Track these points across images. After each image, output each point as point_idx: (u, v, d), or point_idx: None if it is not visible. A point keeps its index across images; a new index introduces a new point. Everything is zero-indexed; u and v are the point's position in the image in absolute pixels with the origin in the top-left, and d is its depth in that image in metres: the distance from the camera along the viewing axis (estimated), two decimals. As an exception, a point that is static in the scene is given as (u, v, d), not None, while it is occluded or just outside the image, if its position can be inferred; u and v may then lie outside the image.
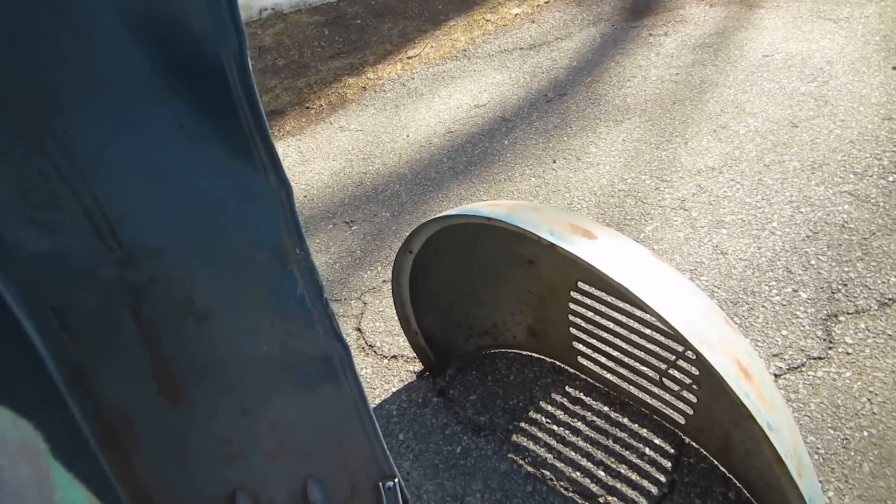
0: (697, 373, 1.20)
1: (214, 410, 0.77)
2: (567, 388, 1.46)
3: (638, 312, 1.26)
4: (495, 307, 1.54)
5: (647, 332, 1.28)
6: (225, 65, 0.59)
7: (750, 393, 0.90)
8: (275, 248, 0.71)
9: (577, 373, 1.49)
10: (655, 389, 1.34)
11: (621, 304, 1.29)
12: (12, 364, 0.69)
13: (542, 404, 1.43)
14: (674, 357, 1.22)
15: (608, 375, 1.42)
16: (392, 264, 1.91)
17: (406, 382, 1.54)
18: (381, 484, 0.79)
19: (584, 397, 1.43)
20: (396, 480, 0.79)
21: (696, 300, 1.00)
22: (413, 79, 3.06)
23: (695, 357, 1.18)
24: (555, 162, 2.20)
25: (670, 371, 1.22)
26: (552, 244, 1.07)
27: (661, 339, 1.25)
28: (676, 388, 1.23)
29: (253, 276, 0.73)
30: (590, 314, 1.38)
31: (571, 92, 2.59)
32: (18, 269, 0.68)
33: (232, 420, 0.78)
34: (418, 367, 1.57)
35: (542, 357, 1.54)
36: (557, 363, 1.52)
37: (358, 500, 0.80)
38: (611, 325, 1.35)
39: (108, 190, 0.66)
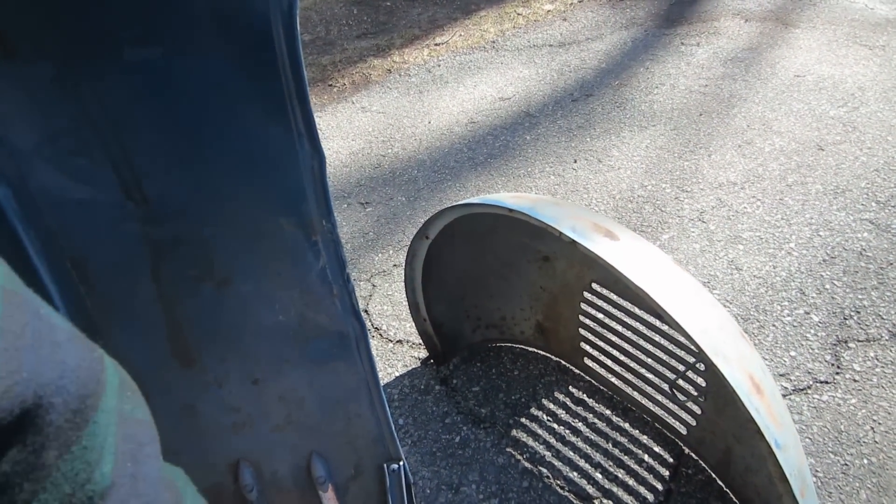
0: (704, 384, 1.19)
1: (225, 377, 0.77)
2: (570, 387, 1.45)
3: (650, 319, 1.25)
4: (506, 301, 1.53)
5: (658, 339, 1.27)
6: (272, 23, 0.58)
7: (761, 409, 0.90)
8: (301, 218, 0.70)
9: (582, 374, 1.48)
10: (659, 397, 1.33)
11: (634, 309, 1.28)
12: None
13: (545, 402, 1.42)
14: (683, 368, 1.21)
15: (613, 379, 1.42)
16: (405, 249, 1.91)
17: (409, 368, 1.54)
18: (385, 466, 0.79)
19: (586, 399, 1.42)
20: (402, 463, 0.78)
21: (713, 311, 0.99)
22: (439, 66, 3.04)
23: (704, 368, 1.18)
24: (576, 162, 2.19)
25: (679, 381, 1.21)
26: (573, 241, 1.06)
27: (672, 347, 1.24)
28: (683, 397, 1.23)
29: (276, 244, 0.73)
30: (601, 316, 1.37)
31: (598, 93, 2.57)
32: (41, 217, 0.67)
33: (241, 389, 0.78)
34: (423, 353, 1.56)
35: (548, 355, 1.53)
36: (563, 362, 1.51)
37: (361, 480, 0.80)
38: (621, 329, 1.34)
39: (138, 143, 0.65)
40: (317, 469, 0.78)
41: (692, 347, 1.15)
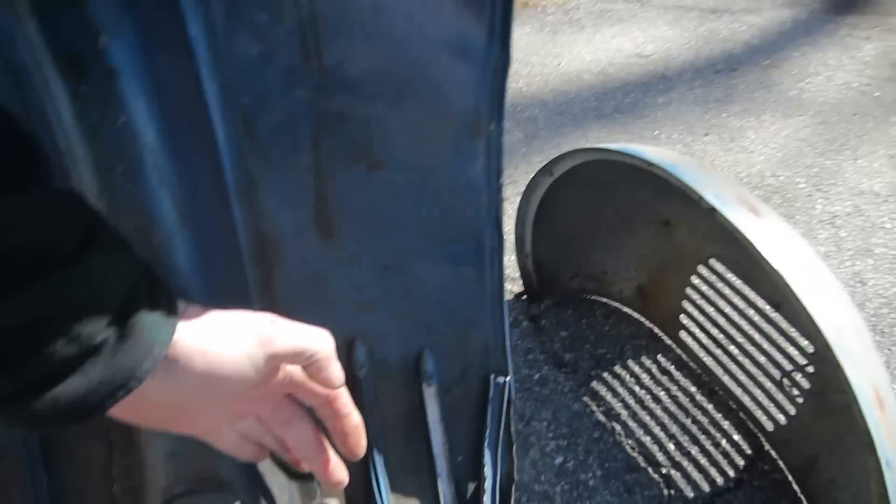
0: (808, 386, 1.15)
1: (359, 257, 0.79)
2: (659, 356, 1.43)
3: (766, 308, 1.20)
4: (612, 256, 1.51)
5: (768, 330, 1.23)
6: None
7: (880, 424, 0.86)
8: (471, 116, 0.70)
9: (674, 345, 1.45)
10: (752, 387, 1.29)
11: (750, 294, 1.23)
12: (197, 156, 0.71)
13: (630, 363, 1.41)
14: (791, 367, 1.17)
15: (706, 358, 1.38)
16: (514, 184, 1.89)
17: (501, 300, 1.55)
18: (492, 377, 0.80)
19: (673, 370, 1.40)
20: (508, 379, 0.79)
21: (850, 314, 0.94)
22: (578, 9, 2.93)
23: (813, 371, 1.13)
24: (706, 135, 2.10)
25: (786, 377, 1.17)
26: (712, 209, 1.02)
27: (782, 342, 1.19)
28: (783, 395, 1.19)
29: (438, 138, 0.73)
30: (710, 293, 1.33)
31: (743, 69, 2.43)
32: (223, 66, 0.69)
33: (372, 272, 0.79)
34: (518, 288, 1.57)
35: (643, 319, 1.51)
36: (656, 330, 1.49)
37: (465, 385, 0.81)
38: (729, 311, 1.29)
39: (327, 8, 0.65)
40: (426, 364, 0.80)
41: (811, 347, 1.11)
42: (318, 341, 0.46)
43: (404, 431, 0.83)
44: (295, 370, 0.47)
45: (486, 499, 0.80)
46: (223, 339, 0.41)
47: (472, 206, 0.75)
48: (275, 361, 0.43)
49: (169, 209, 0.65)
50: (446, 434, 0.82)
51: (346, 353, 0.80)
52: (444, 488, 0.80)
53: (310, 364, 0.46)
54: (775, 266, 0.93)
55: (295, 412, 0.50)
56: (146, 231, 0.64)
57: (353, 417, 0.51)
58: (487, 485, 0.80)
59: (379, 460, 0.78)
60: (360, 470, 0.80)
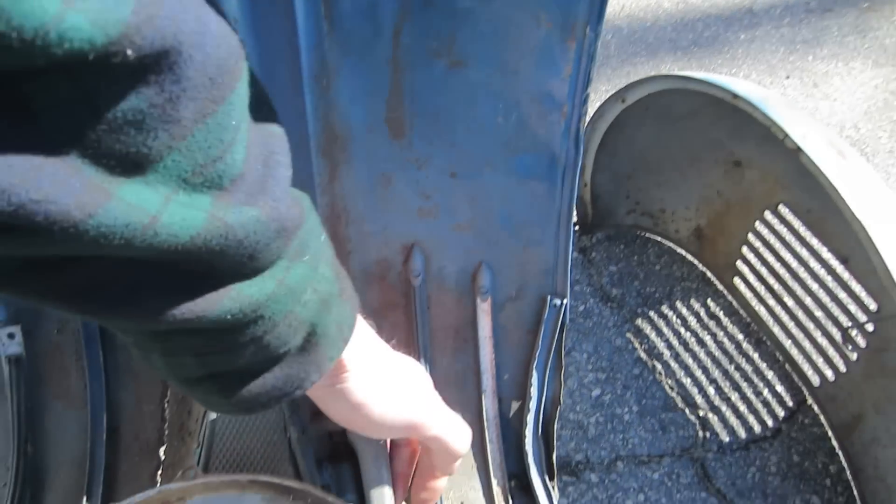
0: (865, 345, 1.11)
1: (427, 160, 0.76)
2: (709, 301, 1.39)
3: (833, 262, 1.15)
4: (673, 194, 1.45)
5: (830, 284, 1.18)
6: None
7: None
8: (566, 18, 0.65)
9: (726, 291, 1.41)
10: (802, 339, 1.26)
11: (817, 245, 1.18)
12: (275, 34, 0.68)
13: (678, 304, 1.38)
14: (850, 323, 1.12)
15: (758, 307, 1.34)
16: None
17: (553, 227, 1.52)
18: (549, 297, 0.78)
19: (722, 316, 1.37)
20: (565, 301, 0.77)
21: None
22: (666, -68, 2.75)
23: (873, 330, 1.09)
24: (787, 78, 1.98)
25: (843, 334, 1.13)
26: (798, 149, 0.96)
27: (843, 297, 1.15)
28: (841, 348, 1.15)
29: (525, 38, 0.68)
30: (773, 241, 1.28)
31: (838, 10, 2.27)
32: (307, -59, 0.65)
33: (438, 177, 0.77)
34: (571, 217, 1.53)
35: (696, 262, 1.47)
36: (709, 274, 1.44)
37: (520, 304, 0.80)
38: (792, 261, 1.24)
39: None
40: (482, 278, 0.79)
41: (874, 305, 1.06)
42: (459, 437, 0.49)
43: (453, 344, 0.82)
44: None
45: (530, 419, 0.79)
46: (379, 389, 0.42)
47: (551, 117, 0.71)
48: (411, 434, 0.46)
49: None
50: (495, 351, 0.81)
51: (402, 258, 0.79)
52: (487, 404, 0.79)
53: (441, 452, 0.48)
54: (858, 215, 0.88)
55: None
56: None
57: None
58: (532, 405, 0.79)
59: (426, 370, 0.78)
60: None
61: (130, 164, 0.24)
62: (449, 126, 0.74)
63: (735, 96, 1.05)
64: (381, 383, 0.41)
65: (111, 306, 0.28)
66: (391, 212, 0.78)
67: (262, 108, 0.31)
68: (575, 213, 1.47)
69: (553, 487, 0.74)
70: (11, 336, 0.72)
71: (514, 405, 0.80)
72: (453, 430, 0.47)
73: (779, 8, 2.28)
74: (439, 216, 0.78)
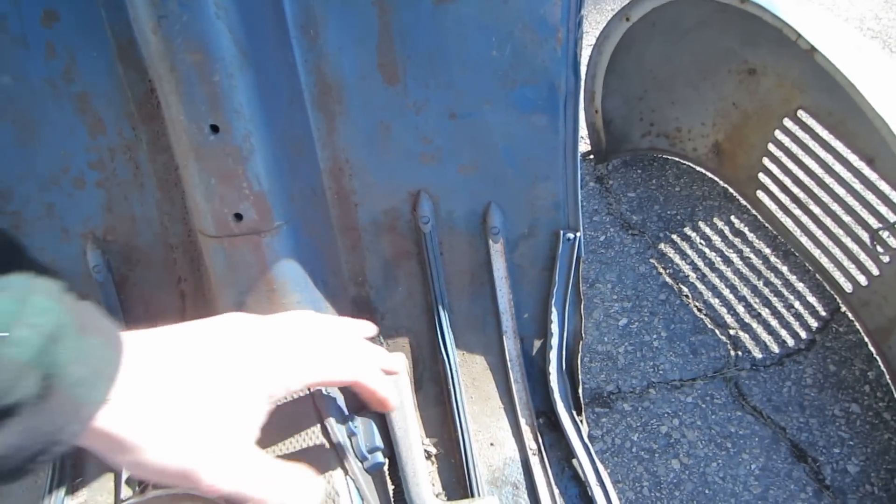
0: (896, 247, 1.08)
1: (424, 103, 0.74)
2: (732, 217, 1.36)
3: (858, 163, 1.11)
4: (688, 111, 1.41)
5: (857, 187, 1.14)
6: None
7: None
8: (552, -63, 0.62)
9: (749, 206, 1.38)
10: (831, 247, 1.23)
11: (841, 148, 1.14)
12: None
13: (701, 224, 1.35)
14: (879, 225, 1.09)
15: (783, 218, 1.31)
16: (584, 35, 1.76)
17: (566, 158, 1.48)
18: (562, 232, 0.77)
19: (747, 232, 1.34)
20: (578, 235, 0.76)
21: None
22: None
23: (904, 229, 1.06)
24: (801, -25, 1.88)
25: (874, 236, 1.10)
26: (812, 49, 0.92)
27: (871, 198, 1.11)
28: (872, 251, 1.12)
29: (513, -35, 0.65)
30: (795, 149, 1.23)
31: None
32: None
33: (437, 120, 0.75)
34: (584, 147, 1.50)
35: (717, 179, 1.43)
36: (731, 190, 1.41)
37: (532, 242, 0.78)
38: (815, 167, 1.21)
39: None
40: (492, 219, 0.77)
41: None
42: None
43: (469, 288, 0.81)
44: None
45: (553, 355, 0.79)
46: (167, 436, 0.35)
47: (547, 45, 0.68)
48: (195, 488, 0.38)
49: (228, 44, 0.60)
50: (512, 291, 0.80)
51: (410, 206, 0.78)
52: (509, 345, 0.79)
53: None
54: (880, 112, 0.84)
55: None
56: (205, 68, 0.61)
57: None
58: (554, 342, 0.79)
59: (444, 316, 0.77)
60: (426, 326, 0.80)
61: None
62: (443, 66, 0.72)
63: (743, 0, 1.00)
64: (164, 418, 0.35)
65: None
66: (394, 160, 0.76)
67: None
68: (588, 141, 1.44)
69: (582, 421, 0.74)
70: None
71: (537, 343, 0.80)
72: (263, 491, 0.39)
73: None
74: (443, 160, 0.76)
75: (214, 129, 0.64)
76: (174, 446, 0.35)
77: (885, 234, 1.10)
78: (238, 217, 0.67)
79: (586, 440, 0.74)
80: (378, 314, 0.80)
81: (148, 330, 0.40)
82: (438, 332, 0.77)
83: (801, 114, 1.20)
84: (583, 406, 0.75)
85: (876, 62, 0.89)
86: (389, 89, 0.73)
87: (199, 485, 0.37)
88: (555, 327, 0.78)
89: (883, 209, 1.09)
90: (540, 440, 0.74)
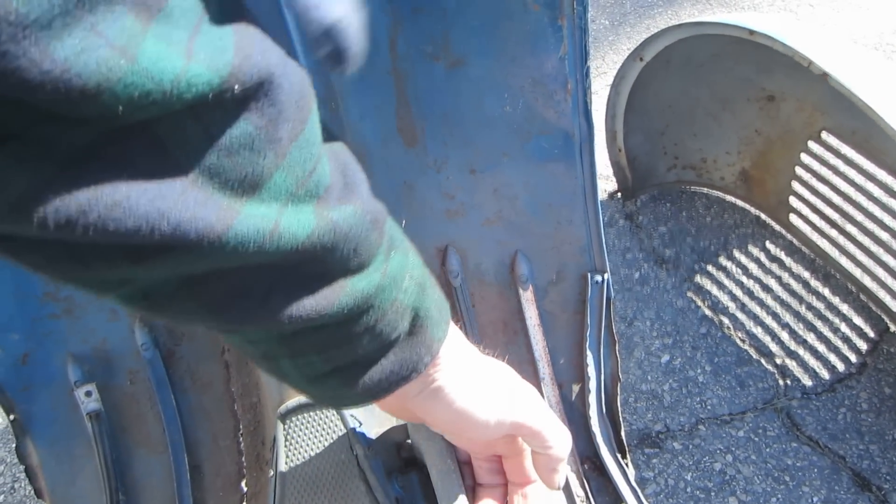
0: (939, 261, 1.06)
1: (444, 162, 0.77)
2: (767, 243, 1.35)
3: (888, 180, 1.10)
4: (711, 141, 1.41)
5: (889, 202, 1.12)
6: None
7: None
8: (552, -3, 0.64)
9: (783, 231, 1.36)
10: (873, 266, 1.20)
11: (869, 167, 1.13)
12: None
13: (736, 253, 1.34)
14: (918, 237, 1.07)
15: (820, 241, 1.29)
16: (603, 76, 1.79)
17: (594, 198, 1.49)
18: (589, 275, 0.77)
19: (783, 257, 1.32)
20: (606, 276, 0.76)
21: None
22: None
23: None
24: (814, -3, 1.89)
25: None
26: (825, 74, 0.92)
27: (907, 214, 1.09)
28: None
29: (517, 26, 0.68)
30: (823, 171, 1.23)
31: (857, -84, 2.15)
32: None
33: (458, 176, 0.77)
34: (611, 186, 1.50)
35: (747, 206, 1.42)
36: (763, 216, 1.40)
37: (562, 286, 0.79)
38: (845, 187, 1.19)
39: None
40: (520, 268, 0.79)
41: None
42: (561, 438, 0.46)
43: (503, 337, 0.82)
44: (526, 449, 0.48)
45: (592, 399, 0.79)
46: (481, 389, 0.42)
47: (557, 96, 0.71)
48: (515, 432, 0.44)
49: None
50: (546, 337, 0.81)
51: (439, 262, 0.80)
52: (547, 392, 0.79)
53: (542, 453, 0.46)
54: (902, 131, 0.84)
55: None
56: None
57: None
58: (592, 385, 0.79)
59: (481, 366, 0.79)
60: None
61: (248, 186, 0.28)
62: (459, 124, 0.75)
63: (752, 32, 1.01)
64: (478, 382, 0.42)
65: (248, 314, 0.32)
66: (420, 217, 0.79)
67: (325, 130, 0.34)
68: (614, 180, 1.45)
69: (627, 464, 0.73)
70: (88, 394, 0.76)
71: (575, 388, 0.80)
72: (556, 431, 0.45)
73: (793, -73, 2.17)
74: (467, 214, 0.78)
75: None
76: (499, 402, 0.42)
77: (926, 249, 1.08)
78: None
79: (633, 483, 0.73)
80: (415, 370, 0.81)
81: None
82: (476, 384, 0.77)
83: (825, 135, 1.19)
84: (626, 448, 0.74)
85: (889, 80, 0.89)
86: (410, 151, 0.76)
87: (527, 432, 0.43)
88: (591, 371, 0.78)
89: (921, 224, 1.07)
90: (587, 486, 0.74)
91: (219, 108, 0.26)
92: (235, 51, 0.25)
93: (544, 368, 0.78)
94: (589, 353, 0.77)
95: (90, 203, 0.24)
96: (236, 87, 0.25)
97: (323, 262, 0.31)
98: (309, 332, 0.34)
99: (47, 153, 0.23)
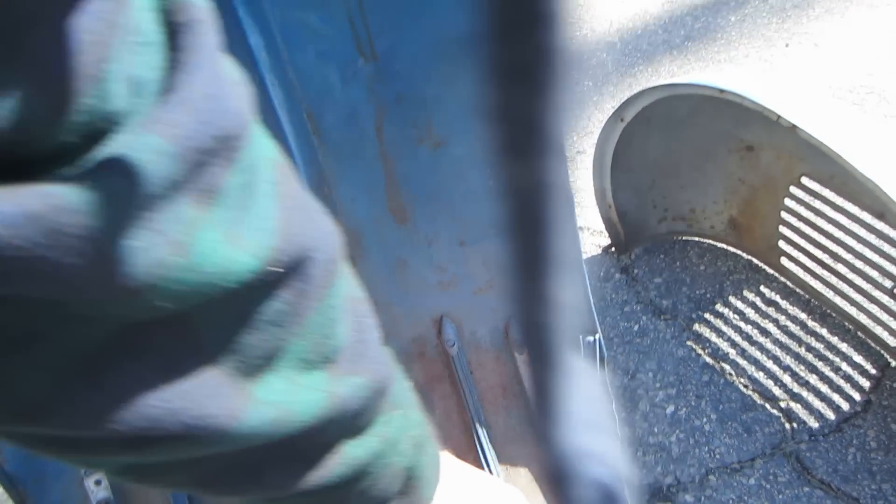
0: (929, 295, 1.08)
1: (434, 236, 0.80)
2: (762, 287, 1.37)
3: (870, 220, 1.13)
4: (698, 192, 1.45)
5: (876, 242, 1.15)
6: None
7: None
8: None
9: (777, 274, 1.39)
10: (867, 304, 1.22)
11: (851, 208, 1.16)
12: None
13: (732, 299, 1.36)
14: (905, 274, 1.10)
15: (813, 282, 1.32)
16: (589, 135, 1.85)
17: (589, 255, 1.53)
18: (581, 337, 0.80)
19: (779, 300, 1.34)
20: (597, 336, 0.79)
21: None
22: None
23: (931, 278, 1.06)
24: (787, 46, 1.96)
25: (899, 287, 1.10)
26: (793, 127, 0.97)
27: (890, 250, 1.12)
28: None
29: (493, 108, 0.73)
30: (807, 214, 1.26)
31: (821, -33, 2.25)
32: (284, 69, 0.71)
33: (449, 249, 0.81)
34: (605, 241, 1.54)
35: (739, 252, 1.45)
36: (755, 261, 1.43)
37: (556, 347, 0.82)
38: (830, 228, 1.22)
39: (373, -2, 0.66)
40: (514, 332, 0.81)
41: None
42: None
43: (504, 401, 0.85)
44: None
45: (595, 456, 0.80)
46: None
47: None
48: None
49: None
50: (547, 397, 0.83)
51: (435, 332, 0.83)
52: (552, 450, 0.81)
53: None
54: (868, 175, 0.87)
55: None
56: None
57: None
58: (594, 442, 0.80)
59: (483, 434, 0.80)
60: (467, 445, 0.83)
61: (267, 358, 0.27)
62: (446, 201, 0.79)
63: (722, 91, 1.06)
64: None
65: (238, 486, 0.30)
66: (414, 291, 0.82)
67: (350, 278, 0.34)
68: (607, 234, 1.49)
69: (632, 520, 0.74)
70: (98, 483, 0.78)
71: (577, 446, 0.82)
72: None
73: (761, -19, 2.28)
74: (459, 285, 0.81)
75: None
76: None
77: (914, 285, 1.10)
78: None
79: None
80: (418, 441, 0.83)
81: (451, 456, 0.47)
82: (479, 450, 0.79)
83: (805, 180, 1.23)
84: (631, 505, 0.75)
85: (855, 129, 0.93)
86: (401, 228, 0.80)
87: None
88: (591, 429, 0.80)
89: (907, 260, 1.09)
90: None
91: (254, 290, 0.25)
92: (279, 231, 0.25)
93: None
94: (587, 412, 0.79)
95: (108, 405, 0.23)
96: (275, 268, 0.25)
97: (323, 434, 0.30)
98: (299, 496, 0.32)
99: (71, 353, 0.22)
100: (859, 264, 1.19)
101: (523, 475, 0.81)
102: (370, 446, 0.32)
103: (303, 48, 0.69)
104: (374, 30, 0.68)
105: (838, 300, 1.28)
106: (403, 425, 0.35)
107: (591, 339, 0.80)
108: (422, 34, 0.67)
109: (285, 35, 0.68)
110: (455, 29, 0.67)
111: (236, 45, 0.67)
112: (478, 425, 0.79)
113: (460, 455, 0.85)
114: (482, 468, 0.78)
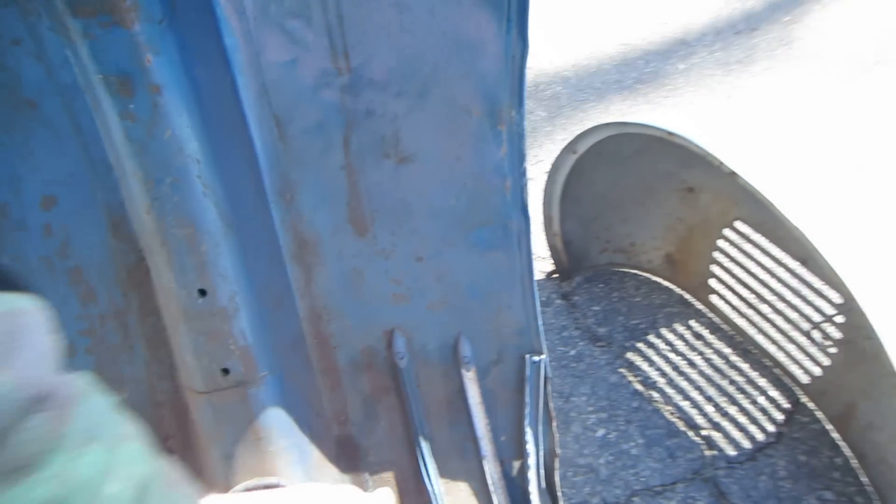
0: (840, 336, 1.16)
1: (392, 250, 0.82)
2: (692, 321, 1.45)
3: (794, 265, 1.21)
4: (638, 227, 1.52)
5: (797, 286, 1.24)
6: None
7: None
8: (492, 105, 0.72)
9: (706, 309, 1.47)
10: (784, 343, 1.30)
11: (777, 253, 1.24)
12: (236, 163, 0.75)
13: (664, 331, 1.43)
14: (820, 318, 1.18)
15: (738, 319, 1.40)
16: (540, 164, 1.91)
17: (532, 278, 1.57)
18: (528, 356, 0.83)
19: (707, 334, 1.42)
20: (543, 357, 0.82)
21: (875, 263, 0.95)
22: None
23: (844, 321, 1.14)
24: (728, 98, 2.08)
25: (816, 329, 1.18)
26: (733, 173, 1.04)
27: (811, 296, 1.20)
28: (815, 347, 1.20)
29: (462, 128, 0.75)
30: (737, 255, 1.34)
31: (764, 28, 2.40)
32: (257, 73, 0.72)
33: (405, 264, 0.83)
34: (548, 267, 1.59)
35: (673, 287, 1.53)
36: (686, 296, 1.50)
37: (503, 366, 0.85)
38: (757, 270, 1.31)
39: (353, 10, 0.68)
40: (463, 349, 0.84)
41: (839, 297, 1.12)
42: None
43: (447, 416, 0.87)
44: None
45: (532, 475, 0.83)
46: None
47: (497, 192, 0.78)
48: None
49: (214, 217, 0.69)
50: (488, 416, 0.86)
51: (385, 343, 0.84)
52: (489, 469, 0.83)
53: None
54: (796, 224, 0.94)
55: None
56: (193, 240, 0.69)
57: None
58: (531, 461, 0.83)
59: (425, 446, 0.82)
60: (408, 457, 0.84)
61: None
62: (407, 216, 0.81)
63: (670, 133, 1.13)
64: None
65: None
66: (367, 303, 0.84)
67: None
68: (552, 261, 1.54)
69: (564, 536, 0.78)
70: None
71: (516, 465, 0.84)
72: None
73: (709, 35, 2.41)
74: (412, 298, 0.83)
75: (202, 292, 0.71)
76: None
77: (828, 327, 1.18)
78: (225, 371, 0.73)
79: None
80: (361, 450, 0.84)
81: (221, 496, 0.43)
82: (421, 463, 0.81)
83: (739, 224, 1.31)
84: (563, 521, 0.78)
85: (789, 181, 1.00)
86: (360, 240, 0.81)
87: None
88: (531, 447, 0.83)
89: (821, 303, 1.18)
90: (526, 561, 0.77)
91: None
92: None
93: (486, 445, 0.83)
94: (528, 429, 0.82)
95: None
96: None
97: None
98: None
99: None
100: (781, 306, 1.28)
101: (463, 489, 0.83)
102: (38, 493, 0.25)
103: (278, 53, 0.70)
104: (351, 43, 0.70)
105: (759, 338, 1.36)
106: (108, 461, 0.28)
107: (536, 359, 0.83)
108: (397, 51, 0.69)
109: (262, 37, 0.69)
110: (430, 49, 0.70)
111: (211, 46, 0.68)
112: (421, 438, 0.81)
113: (402, 468, 0.87)
114: (422, 480, 0.80)
